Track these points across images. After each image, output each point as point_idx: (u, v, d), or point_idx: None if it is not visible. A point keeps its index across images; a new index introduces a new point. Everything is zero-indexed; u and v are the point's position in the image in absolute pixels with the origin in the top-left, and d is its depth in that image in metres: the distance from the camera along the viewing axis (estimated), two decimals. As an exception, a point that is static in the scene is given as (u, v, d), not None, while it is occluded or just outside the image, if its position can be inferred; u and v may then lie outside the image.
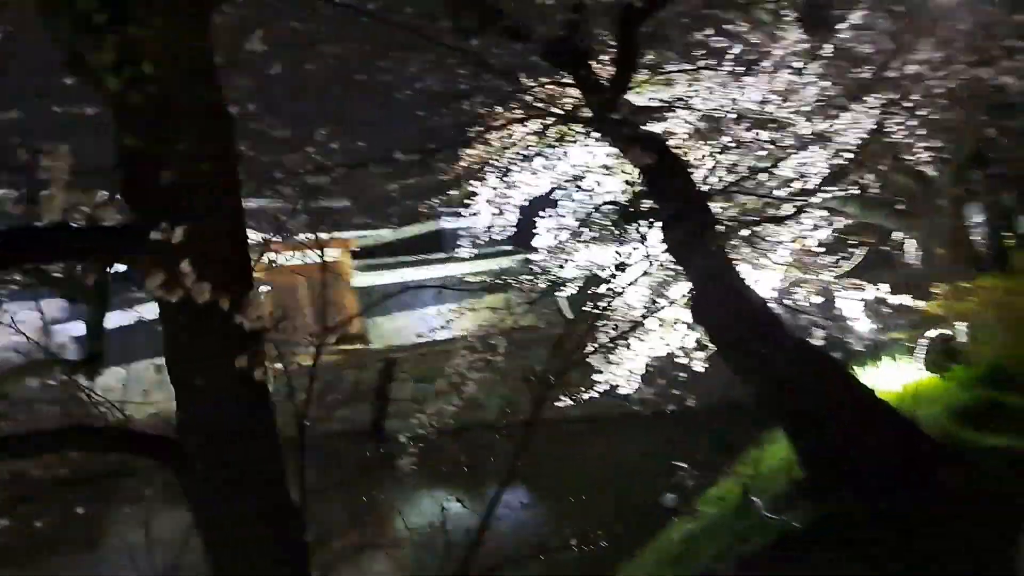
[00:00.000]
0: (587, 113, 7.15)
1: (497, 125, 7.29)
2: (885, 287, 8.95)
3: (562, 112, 7.04)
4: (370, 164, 6.87)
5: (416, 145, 6.87)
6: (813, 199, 8.10)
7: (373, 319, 32.99)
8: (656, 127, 8.48)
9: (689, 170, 7.05)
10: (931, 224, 11.02)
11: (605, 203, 7.52)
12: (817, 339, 8.52)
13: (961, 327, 9.07)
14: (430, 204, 9.33)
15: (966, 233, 11.40)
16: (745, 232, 8.41)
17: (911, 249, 11.49)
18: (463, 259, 10.17)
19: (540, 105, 7.04)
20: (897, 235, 11.71)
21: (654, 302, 8.94)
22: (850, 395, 6.04)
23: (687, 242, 6.39)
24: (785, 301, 8.91)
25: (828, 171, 8.08)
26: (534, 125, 7.12)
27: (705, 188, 7.01)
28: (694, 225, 6.38)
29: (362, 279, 32.44)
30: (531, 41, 6.91)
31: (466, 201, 9.22)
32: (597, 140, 7.33)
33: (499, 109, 7.04)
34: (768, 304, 6.98)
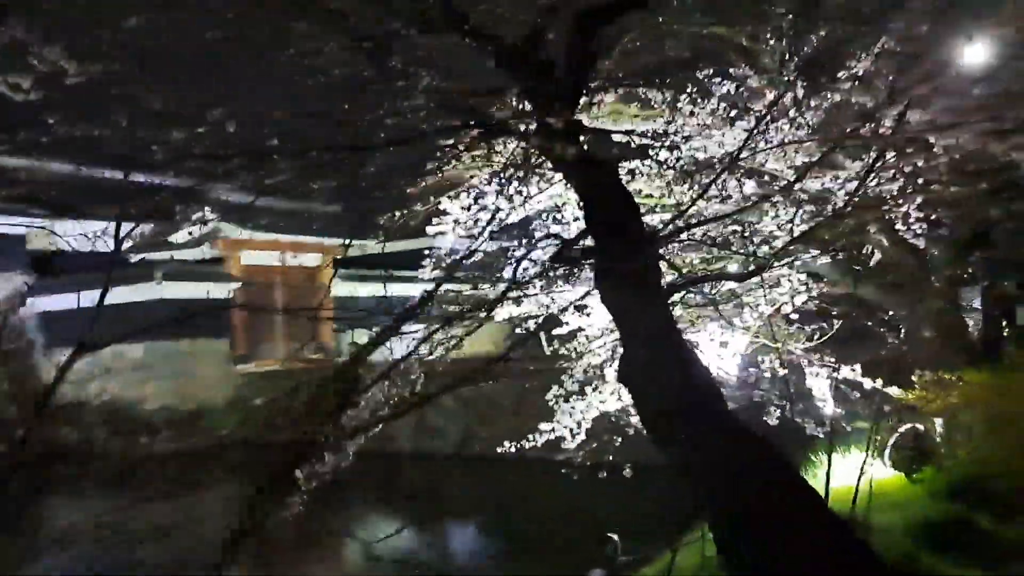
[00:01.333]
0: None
1: (432, 131, 6.38)
2: (859, 367, 8.00)
3: (495, 123, 6.13)
4: (274, 156, 5.95)
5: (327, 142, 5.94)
6: (786, 259, 7.18)
7: (347, 331, 31.96)
8: (636, 162, 7.63)
9: (640, 206, 6.13)
10: (921, 304, 10.06)
11: (546, 235, 6.59)
12: (772, 418, 7.53)
13: (938, 424, 8.06)
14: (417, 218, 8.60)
15: (959, 319, 10.42)
16: (706, 288, 7.50)
17: (895, 328, 10.51)
18: (425, 280, 9.58)
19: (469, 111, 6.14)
20: (882, 311, 10.74)
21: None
22: (792, 500, 5.01)
23: (622, 289, 5.43)
24: (744, 371, 7.95)
25: (806, 229, 7.15)
26: (469, 134, 6.22)
27: (655, 229, 6.07)
28: (633, 271, 5.42)
29: (343, 288, 31.49)
30: (487, 42, 6.05)
31: (434, 220, 8.56)
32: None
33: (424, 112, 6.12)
34: (712, 374, 6.00)
